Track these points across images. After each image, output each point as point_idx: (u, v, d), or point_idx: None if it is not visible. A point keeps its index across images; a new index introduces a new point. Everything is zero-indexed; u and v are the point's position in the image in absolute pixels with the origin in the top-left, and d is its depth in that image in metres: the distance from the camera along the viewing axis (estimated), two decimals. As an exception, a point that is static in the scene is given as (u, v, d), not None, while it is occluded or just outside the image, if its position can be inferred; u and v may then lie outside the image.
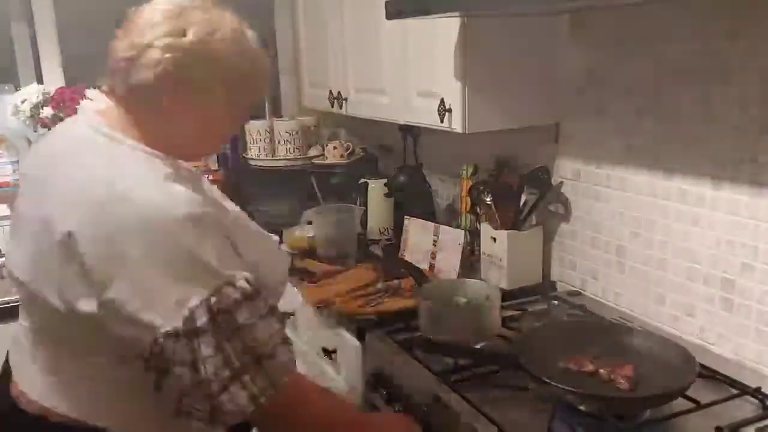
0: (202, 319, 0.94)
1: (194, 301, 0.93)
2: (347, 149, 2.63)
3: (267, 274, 1.11)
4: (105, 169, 1.01)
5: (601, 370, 1.28)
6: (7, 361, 1.19)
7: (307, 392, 1.12)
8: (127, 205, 0.95)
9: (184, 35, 1.05)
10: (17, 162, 2.46)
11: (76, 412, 1.06)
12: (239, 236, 1.07)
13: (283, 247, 2.20)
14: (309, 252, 2.24)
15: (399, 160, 2.44)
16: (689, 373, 1.22)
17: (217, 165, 2.71)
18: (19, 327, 1.18)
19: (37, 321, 1.12)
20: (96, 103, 1.21)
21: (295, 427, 1.08)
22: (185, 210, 0.97)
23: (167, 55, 1.03)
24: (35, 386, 1.09)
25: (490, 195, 1.92)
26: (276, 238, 1.34)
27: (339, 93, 2.34)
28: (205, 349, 0.94)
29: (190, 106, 1.08)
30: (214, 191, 1.26)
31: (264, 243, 1.24)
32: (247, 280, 0.99)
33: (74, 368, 1.07)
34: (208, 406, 0.96)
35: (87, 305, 0.97)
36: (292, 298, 1.24)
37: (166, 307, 0.93)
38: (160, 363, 0.95)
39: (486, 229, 1.93)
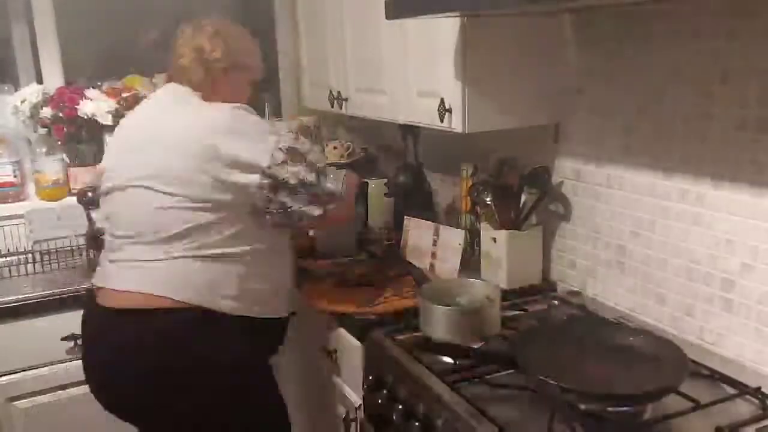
0: (280, 155, 1.54)
1: (272, 146, 1.55)
2: (347, 149, 2.63)
3: None
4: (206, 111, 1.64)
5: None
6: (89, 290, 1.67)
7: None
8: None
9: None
10: (17, 162, 2.46)
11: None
12: None
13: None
14: (309, 251, 2.24)
15: (399, 160, 2.44)
16: (681, 371, 1.23)
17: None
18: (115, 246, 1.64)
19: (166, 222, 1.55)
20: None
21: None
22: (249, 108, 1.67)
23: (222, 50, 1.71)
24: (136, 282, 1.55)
25: (490, 195, 1.92)
26: None
27: (339, 93, 2.34)
28: (291, 169, 1.55)
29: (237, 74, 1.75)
30: None
31: None
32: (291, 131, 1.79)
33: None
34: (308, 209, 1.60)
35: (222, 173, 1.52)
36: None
37: (261, 153, 1.54)
38: (268, 188, 1.54)
39: (486, 229, 1.93)
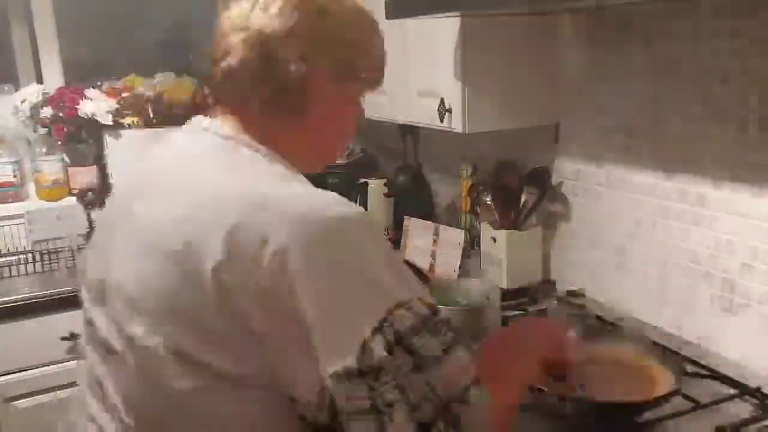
0: (379, 353, 0.72)
1: (368, 329, 0.73)
2: (347, 149, 2.63)
3: None
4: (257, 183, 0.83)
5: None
6: None
7: None
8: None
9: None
10: (17, 162, 2.46)
11: None
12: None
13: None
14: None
15: (399, 160, 2.44)
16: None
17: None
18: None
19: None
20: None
21: None
22: (355, 209, 0.80)
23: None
24: None
25: (490, 195, 1.92)
26: None
27: (339, 93, 2.34)
28: (389, 392, 0.72)
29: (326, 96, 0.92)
30: None
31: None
32: (422, 300, 0.78)
33: None
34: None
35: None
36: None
37: (335, 339, 0.73)
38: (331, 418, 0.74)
39: (486, 229, 1.93)
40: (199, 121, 0.94)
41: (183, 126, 0.97)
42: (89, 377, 0.93)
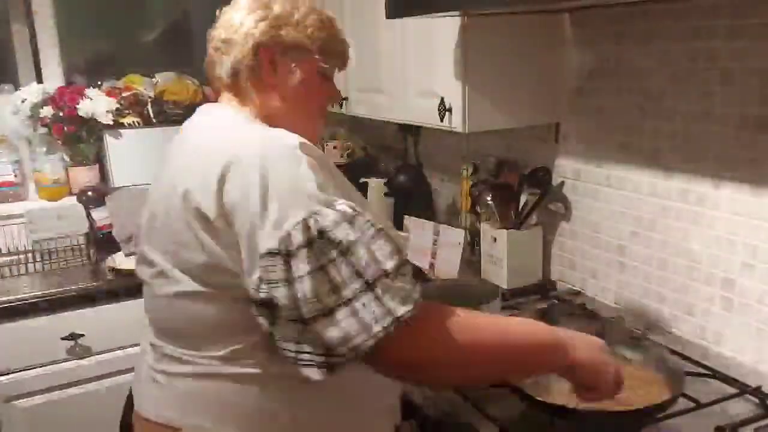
0: (297, 239, 0.88)
1: (291, 221, 0.89)
2: (347, 149, 2.62)
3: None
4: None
5: None
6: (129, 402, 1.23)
7: (456, 316, 0.95)
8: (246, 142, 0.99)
9: (270, 8, 1.12)
10: (17, 162, 2.46)
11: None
12: (346, 187, 1.02)
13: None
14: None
15: (399, 160, 2.44)
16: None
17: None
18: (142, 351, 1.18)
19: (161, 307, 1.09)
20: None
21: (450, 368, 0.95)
22: (294, 140, 0.97)
23: (260, 26, 1.10)
24: (153, 404, 1.09)
25: (490, 195, 1.92)
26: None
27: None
28: (302, 268, 0.87)
29: (286, 68, 1.12)
30: None
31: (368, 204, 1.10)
32: (349, 205, 0.93)
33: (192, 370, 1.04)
34: (316, 342, 0.88)
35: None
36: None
37: (264, 231, 0.90)
38: (264, 293, 0.90)
39: (486, 229, 1.93)
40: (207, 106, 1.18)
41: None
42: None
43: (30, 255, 2.29)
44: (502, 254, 1.87)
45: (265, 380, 1.00)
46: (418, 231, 2.15)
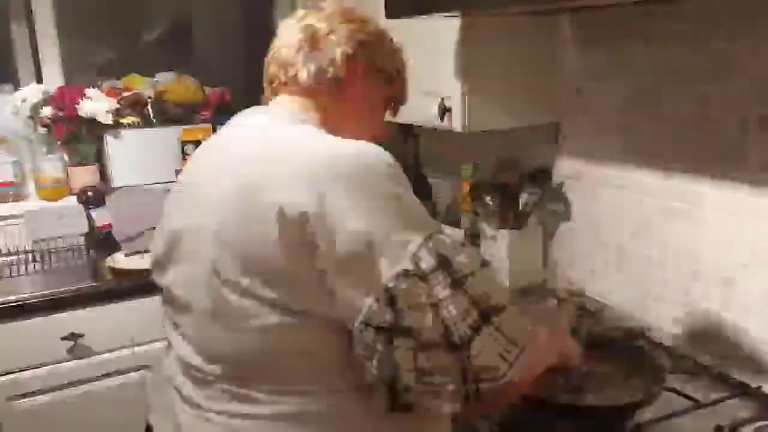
0: (428, 261, 0.84)
1: (415, 244, 0.85)
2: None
3: None
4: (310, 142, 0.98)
5: None
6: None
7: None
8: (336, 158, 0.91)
9: (366, 23, 1.12)
10: (17, 162, 2.46)
11: None
12: None
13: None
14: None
15: (399, 160, 2.43)
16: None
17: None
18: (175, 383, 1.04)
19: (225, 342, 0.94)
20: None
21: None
22: (390, 158, 0.95)
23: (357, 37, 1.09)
24: None
25: (490, 195, 1.92)
26: None
27: (339, 93, 2.34)
28: (442, 291, 0.83)
29: (368, 86, 1.12)
30: None
31: None
32: (449, 236, 0.91)
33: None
34: (456, 367, 0.83)
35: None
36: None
37: (388, 252, 0.83)
38: (387, 320, 0.83)
39: (486, 229, 1.93)
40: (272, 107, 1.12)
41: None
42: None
43: (30, 255, 2.29)
44: (502, 254, 1.87)
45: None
46: (418, 231, 2.14)
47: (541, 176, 1.87)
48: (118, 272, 2.13)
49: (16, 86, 2.52)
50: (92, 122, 2.43)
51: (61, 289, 2.05)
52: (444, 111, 1.72)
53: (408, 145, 2.36)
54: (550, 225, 1.92)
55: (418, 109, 1.87)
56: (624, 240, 1.69)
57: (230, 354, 0.93)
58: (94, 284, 2.09)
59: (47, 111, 2.40)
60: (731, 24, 1.37)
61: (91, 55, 2.77)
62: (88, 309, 2.04)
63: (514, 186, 1.90)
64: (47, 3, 2.53)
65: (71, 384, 2.04)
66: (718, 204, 1.44)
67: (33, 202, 2.46)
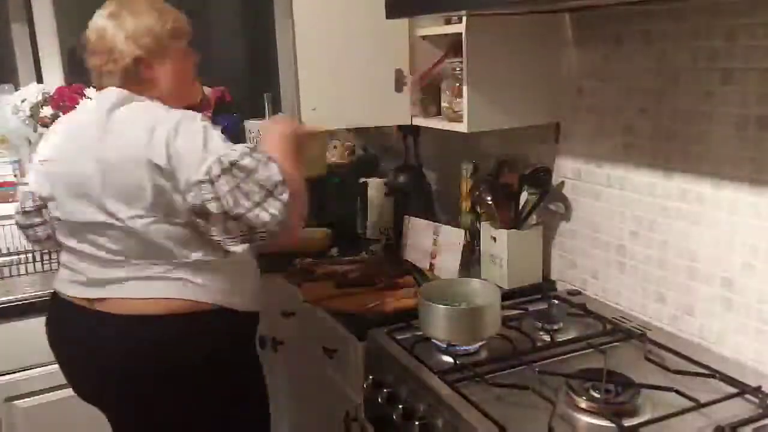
0: (216, 170, 1.35)
1: (210, 160, 1.35)
2: (347, 149, 2.62)
3: None
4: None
5: None
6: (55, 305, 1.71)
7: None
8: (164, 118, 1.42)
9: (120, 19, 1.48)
10: (17, 162, 2.46)
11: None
12: None
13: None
14: (318, 253, 2.24)
15: (399, 160, 2.44)
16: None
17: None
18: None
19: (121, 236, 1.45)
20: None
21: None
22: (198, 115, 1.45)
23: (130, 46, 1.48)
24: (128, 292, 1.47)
25: (490, 195, 1.92)
26: None
27: (339, 93, 2.33)
28: (223, 188, 1.35)
29: (159, 66, 1.51)
30: None
31: None
32: (245, 145, 1.42)
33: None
34: (243, 227, 1.38)
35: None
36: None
37: (192, 167, 1.35)
38: (198, 208, 1.37)
39: (486, 229, 1.93)
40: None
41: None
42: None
43: (30, 255, 2.29)
44: (502, 254, 1.87)
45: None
46: (418, 231, 2.15)
47: (541, 176, 1.87)
48: (118, 272, 2.12)
49: (16, 86, 2.52)
50: (92, 122, 2.43)
51: (61, 289, 2.05)
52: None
53: (408, 145, 2.36)
54: (550, 225, 1.92)
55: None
56: (624, 239, 1.69)
57: (121, 248, 1.48)
58: (94, 284, 2.09)
59: (47, 111, 2.41)
60: (731, 23, 1.37)
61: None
62: (88, 309, 2.03)
63: (514, 186, 1.90)
64: (47, 3, 2.53)
65: (71, 384, 2.03)
66: (718, 204, 1.44)
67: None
